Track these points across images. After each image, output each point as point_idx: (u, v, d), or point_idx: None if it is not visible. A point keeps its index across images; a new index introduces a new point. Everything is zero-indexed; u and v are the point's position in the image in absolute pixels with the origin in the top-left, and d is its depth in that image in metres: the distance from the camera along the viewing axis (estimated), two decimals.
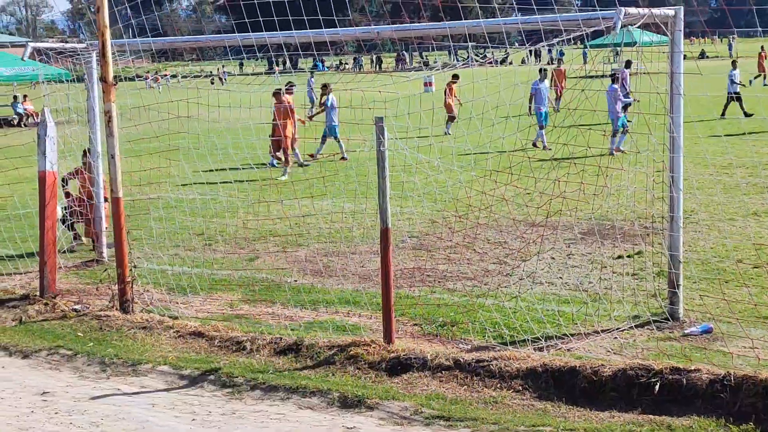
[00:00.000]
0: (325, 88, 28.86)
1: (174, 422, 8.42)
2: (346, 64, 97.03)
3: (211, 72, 71.97)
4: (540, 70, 30.92)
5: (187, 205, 18.98)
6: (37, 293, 12.61)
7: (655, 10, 10.24)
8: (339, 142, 28.48)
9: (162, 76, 61.76)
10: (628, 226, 15.02)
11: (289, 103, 25.30)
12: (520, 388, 8.71)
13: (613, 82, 25.52)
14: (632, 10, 9.88)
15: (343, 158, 28.00)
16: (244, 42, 12.60)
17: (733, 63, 37.12)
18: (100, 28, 11.45)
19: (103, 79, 11.63)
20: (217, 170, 22.69)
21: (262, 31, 12.10)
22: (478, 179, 18.03)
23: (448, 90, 33.80)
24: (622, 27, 9.87)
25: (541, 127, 28.22)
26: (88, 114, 14.76)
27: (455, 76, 34.17)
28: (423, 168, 16.82)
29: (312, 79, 45.91)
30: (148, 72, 59.44)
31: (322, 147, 28.93)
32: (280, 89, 25.39)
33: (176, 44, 14.60)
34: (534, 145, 27.91)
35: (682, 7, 10.57)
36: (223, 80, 58.30)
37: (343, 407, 8.56)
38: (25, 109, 49.32)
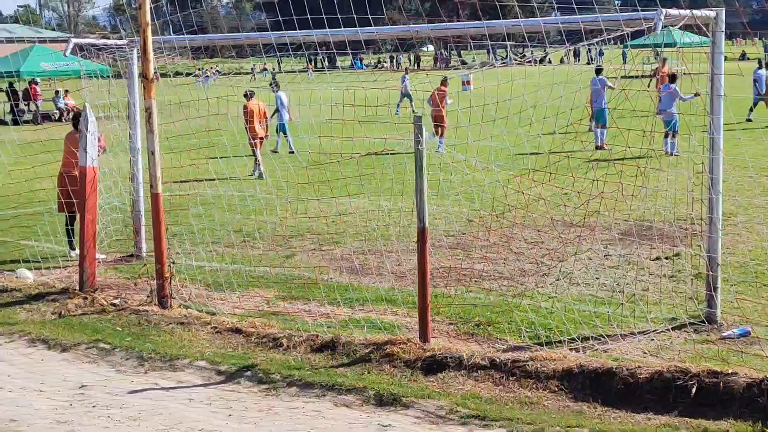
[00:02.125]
0: (275, 86, 30.69)
1: (211, 417, 8.48)
2: (385, 62, 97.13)
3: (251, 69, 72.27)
4: (597, 70, 29.04)
5: (225, 202, 19.06)
6: (77, 287, 12.72)
7: (696, 12, 10.17)
8: (287, 138, 30.09)
9: (212, 72, 61.52)
10: (666, 227, 14.93)
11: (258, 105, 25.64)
12: (556, 388, 8.70)
13: (671, 81, 25.00)
14: (673, 11, 9.84)
15: (287, 152, 29.29)
16: (278, 41, 12.68)
17: (760, 63, 36.47)
18: (142, 25, 11.53)
19: (144, 75, 11.72)
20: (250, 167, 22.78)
21: (298, 30, 12.13)
22: (514, 179, 18.01)
23: (437, 97, 28.53)
24: (663, 28, 9.83)
25: (603, 126, 27.47)
26: (128, 110, 14.90)
27: (444, 82, 30.46)
28: (460, 167, 16.80)
29: (406, 77, 46.01)
30: (200, 68, 59.35)
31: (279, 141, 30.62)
32: (252, 92, 25.99)
33: (215, 41, 14.70)
34: (599, 147, 26.63)
35: (723, 9, 10.50)
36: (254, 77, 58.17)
37: (378, 405, 8.58)
38: (66, 104, 49.69)
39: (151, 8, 11.86)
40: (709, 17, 10.29)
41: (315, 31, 12.39)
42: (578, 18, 10.83)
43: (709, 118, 10.42)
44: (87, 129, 12.59)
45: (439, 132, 28.10)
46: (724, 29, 10.45)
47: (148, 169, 12.15)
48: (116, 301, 12.23)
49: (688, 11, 10.06)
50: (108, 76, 16.59)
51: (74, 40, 14.72)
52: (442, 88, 29.23)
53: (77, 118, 13.60)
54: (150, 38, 11.59)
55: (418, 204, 9.79)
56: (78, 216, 13.37)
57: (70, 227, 15.37)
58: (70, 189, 14.17)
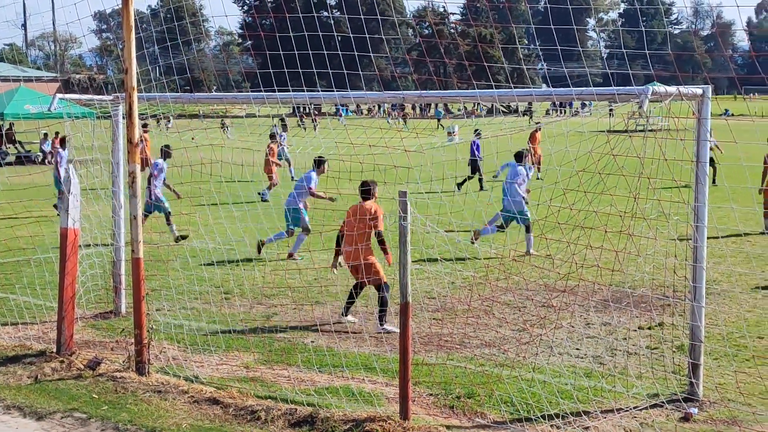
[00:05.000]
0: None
1: None
2: (371, 109, 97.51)
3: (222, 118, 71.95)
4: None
5: (206, 256, 18.98)
6: (54, 350, 12.58)
7: (684, 89, 10.22)
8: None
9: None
10: (649, 295, 14.91)
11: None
12: None
13: None
14: (660, 88, 9.88)
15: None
16: (268, 101, 12.63)
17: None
18: (128, 90, 11.49)
19: (128, 140, 11.67)
20: (235, 218, 22.69)
21: (286, 76, 12.10)
22: (495, 243, 18.00)
23: (269, 151, 31.74)
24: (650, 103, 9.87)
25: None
26: (112, 167, 14.83)
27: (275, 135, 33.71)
28: (444, 241, 16.76)
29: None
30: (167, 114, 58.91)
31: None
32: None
33: (201, 100, 14.69)
34: None
35: (710, 87, 10.53)
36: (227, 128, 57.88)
37: None
38: (52, 147, 49.65)
39: (139, 52, 11.83)
40: (696, 95, 10.32)
41: (304, 94, 12.41)
42: (571, 90, 10.87)
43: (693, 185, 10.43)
44: (69, 191, 12.49)
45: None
46: (710, 105, 10.48)
47: (129, 233, 12.07)
48: (93, 364, 12.07)
49: (674, 88, 10.10)
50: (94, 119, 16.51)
51: (59, 96, 14.66)
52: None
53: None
54: (136, 103, 11.54)
55: (401, 279, 9.73)
56: None
57: None
58: None
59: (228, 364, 12.50)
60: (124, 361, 12.04)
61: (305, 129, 39.41)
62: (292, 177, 35.27)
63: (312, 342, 13.34)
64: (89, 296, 15.05)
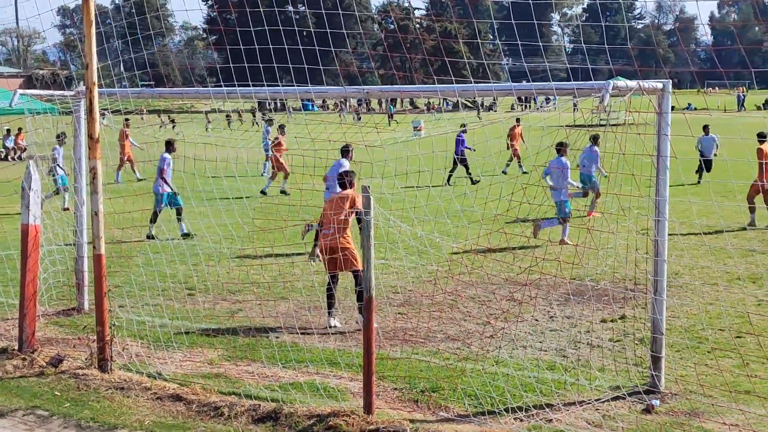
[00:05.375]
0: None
1: None
2: (337, 104, 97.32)
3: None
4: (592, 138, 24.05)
5: (170, 251, 18.89)
6: (15, 347, 12.48)
7: (644, 83, 10.28)
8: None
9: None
10: (612, 288, 15.00)
11: None
12: None
13: (594, 142, 23.84)
14: (621, 83, 9.93)
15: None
16: (229, 96, 12.59)
17: (705, 129, 34.55)
18: (88, 86, 11.42)
19: (89, 135, 11.58)
20: (200, 213, 22.60)
21: (248, 70, 12.06)
22: (459, 238, 18.03)
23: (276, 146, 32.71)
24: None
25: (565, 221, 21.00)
26: (74, 164, 14.74)
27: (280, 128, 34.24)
28: (407, 234, 16.77)
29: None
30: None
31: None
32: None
33: (164, 95, 14.60)
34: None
35: (669, 81, 10.59)
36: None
37: None
38: (15, 143, 49.27)
39: (100, 48, 11.75)
40: (656, 89, 10.38)
41: (267, 89, 12.36)
42: (531, 85, 10.91)
43: (654, 179, 10.48)
44: (30, 187, 12.40)
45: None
46: (670, 99, 10.54)
47: (91, 229, 12.00)
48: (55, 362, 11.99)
49: (635, 83, 10.16)
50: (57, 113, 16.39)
51: (20, 91, 14.53)
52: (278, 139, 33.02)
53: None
54: (96, 98, 11.47)
55: (365, 273, 9.73)
56: None
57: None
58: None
59: (192, 360, 12.45)
60: (86, 359, 11.96)
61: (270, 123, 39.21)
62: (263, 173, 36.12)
63: (276, 338, 13.31)
64: (51, 293, 14.94)
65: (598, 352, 12.26)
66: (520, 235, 17.74)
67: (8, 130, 50.24)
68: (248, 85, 12.06)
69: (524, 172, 33.78)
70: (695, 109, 55.43)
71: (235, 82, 12.01)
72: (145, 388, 10.95)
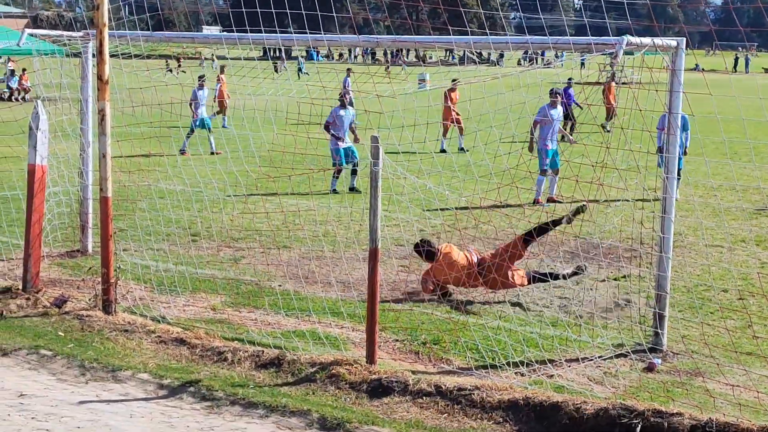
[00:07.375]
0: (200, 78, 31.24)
1: None
2: (342, 53, 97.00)
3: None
4: (551, 92, 21.43)
5: (175, 197, 18.86)
6: (19, 287, 12.49)
7: (658, 40, 10.20)
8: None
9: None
10: (617, 246, 14.98)
11: None
12: (501, 420, 8.64)
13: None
14: (635, 39, 9.85)
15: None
16: (241, 42, 12.49)
17: None
18: (99, 26, 11.32)
19: (99, 77, 11.51)
20: (208, 160, 22.55)
21: (259, 17, 11.94)
22: (466, 191, 17.98)
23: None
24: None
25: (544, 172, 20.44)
26: (80, 106, 14.67)
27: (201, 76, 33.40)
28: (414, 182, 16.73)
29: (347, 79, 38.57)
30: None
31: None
32: None
33: (172, 39, 14.52)
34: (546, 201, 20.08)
35: (684, 39, 10.50)
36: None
37: (322, 429, 8.48)
38: (19, 84, 49.05)
39: (108, 8, 11.64)
40: (670, 46, 10.29)
41: (276, 36, 12.28)
42: (547, 39, 10.80)
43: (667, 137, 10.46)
44: (38, 127, 12.35)
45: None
46: (684, 58, 10.46)
47: (98, 171, 11.96)
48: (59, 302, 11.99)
49: (649, 39, 10.07)
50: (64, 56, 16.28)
51: (28, 31, 14.42)
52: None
53: None
54: (107, 39, 11.37)
55: (371, 224, 9.70)
56: None
57: None
58: None
59: (195, 305, 12.49)
60: (90, 300, 11.97)
61: (278, 72, 38.94)
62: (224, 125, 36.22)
63: (279, 286, 13.32)
64: (56, 234, 14.93)
65: (602, 310, 12.26)
66: (530, 189, 17.68)
67: (12, 71, 49.98)
68: (259, 32, 11.96)
69: (461, 148, 30.42)
70: (703, 69, 55.14)
71: (247, 27, 11.91)
72: (148, 331, 10.96)
